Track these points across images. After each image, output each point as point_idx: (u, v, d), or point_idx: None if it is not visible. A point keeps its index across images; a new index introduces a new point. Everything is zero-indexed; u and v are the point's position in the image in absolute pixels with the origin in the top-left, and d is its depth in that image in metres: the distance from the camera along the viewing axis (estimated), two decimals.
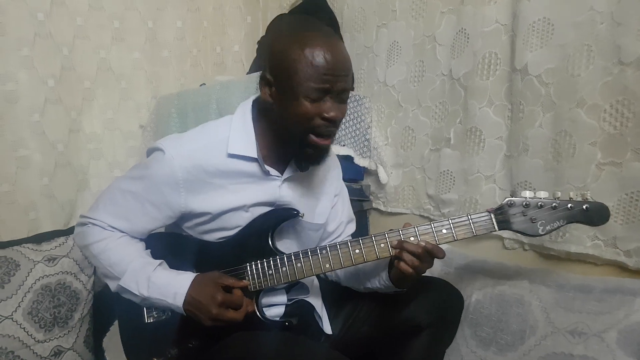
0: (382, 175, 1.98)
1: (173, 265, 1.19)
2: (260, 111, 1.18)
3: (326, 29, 1.12)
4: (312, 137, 1.10)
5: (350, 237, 1.41)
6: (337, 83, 1.07)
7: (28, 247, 1.67)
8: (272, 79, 1.10)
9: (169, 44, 2.19)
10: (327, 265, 1.15)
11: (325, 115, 1.07)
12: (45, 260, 1.66)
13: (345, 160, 1.91)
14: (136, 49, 2.09)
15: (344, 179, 1.45)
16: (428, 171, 1.85)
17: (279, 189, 1.20)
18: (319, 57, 1.04)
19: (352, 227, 1.43)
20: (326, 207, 1.33)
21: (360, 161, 1.97)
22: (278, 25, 1.15)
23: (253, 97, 1.22)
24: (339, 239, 1.39)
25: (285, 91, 1.08)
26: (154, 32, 2.13)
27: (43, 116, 1.81)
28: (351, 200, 1.46)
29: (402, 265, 1.09)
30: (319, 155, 1.14)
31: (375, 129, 2.01)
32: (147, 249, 1.23)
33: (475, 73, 1.60)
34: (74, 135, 1.93)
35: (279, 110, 1.11)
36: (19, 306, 1.57)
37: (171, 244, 1.24)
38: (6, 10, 1.69)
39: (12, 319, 1.55)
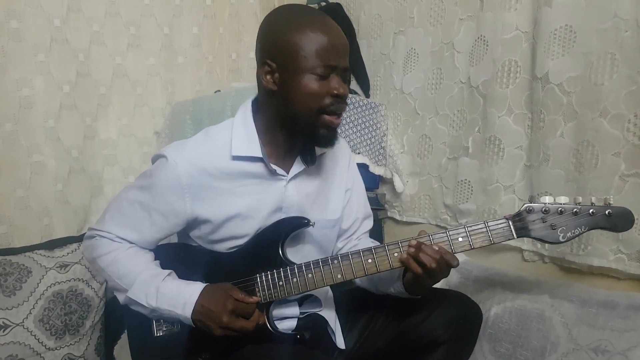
0: (398, 184, 1.95)
1: (182, 277, 1.17)
2: (262, 107, 1.17)
3: (319, 11, 1.14)
4: (325, 117, 1.09)
5: (367, 235, 1.38)
6: (341, 60, 1.08)
7: (40, 254, 1.66)
8: (275, 64, 1.09)
9: (185, 51, 2.19)
10: (339, 276, 1.12)
11: (335, 92, 1.07)
12: (57, 267, 1.65)
13: (360, 168, 1.86)
14: (152, 55, 2.09)
15: None
16: (445, 180, 1.82)
17: (284, 188, 1.18)
18: (322, 35, 1.05)
19: (368, 224, 1.39)
20: (338, 201, 1.29)
21: (375, 169, 1.95)
22: (271, 16, 1.13)
23: (252, 98, 1.21)
24: (355, 236, 1.36)
25: (291, 73, 1.07)
26: (170, 39, 2.13)
27: (58, 122, 1.81)
28: None
29: (412, 262, 1.06)
30: (332, 135, 1.13)
31: (391, 136, 1.98)
32: (156, 260, 1.21)
33: (494, 81, 1.57)
34: (88, 141, 1.93)
35: (285, 95, 1.09)
36: (30, 313, 1.56)
37: (180, 254, 1.22)
38: (23, 17, 1.70)
39: (23, 326, 1.54)
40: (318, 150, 1.22)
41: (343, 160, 1.33)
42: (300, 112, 1.09)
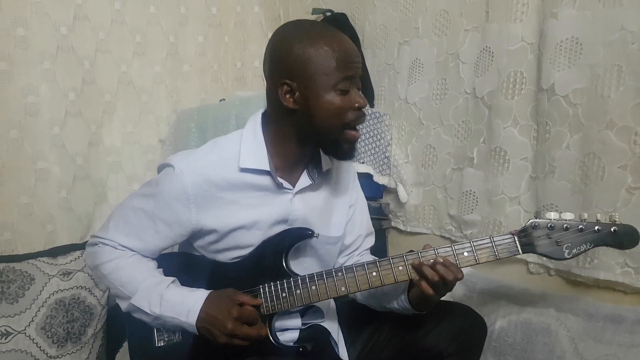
0: (402, 194, 1.94)
1: (185, 286, 1.16)
2: (273, 122, 1.16)
3: (325, 23, 1.14)
4: (348, 132, 1.10)
5: (368, 251, 1.38)
6: (358, 69, 1.10)
7: (43, 261, 1.66)
8: (295, 84, 1.07)
9: (190, 59, 2.19)
10: (343, 289, 1.11)
11: (357, 105, 1.09)
12: (60, 275, 1.65)
13: (364, 178, 1.88)
14: (157, 63, 2.09)
15: None
16: (450, 191, 1.81)
17: (290, 202, 1.17)
18: (337, 47, 1.06)
19: (370, 241, 1.39)
20: (342, 218, 1.29)
21: (379, 179, 1.94)
22: (281, 34, 1.13)
23: (262, 110, 1.20)
24: (356, 252, 1.35)
25: (313, 92, 1.07)
26: (176, 47, 2.14)
27: (63, 129, 1.81)
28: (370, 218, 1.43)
29: (424, 284, 1.06)
30: (353, 148, 1.15)
31: (396, 146, 1.97)
32: (158, 269, 1.20)
33: (499, 92, 1.56)
34: (93, 149, 1.93)
35: (308, 113, 1.08)
36: (33, 321, 1.56)
37: (183, 264, 1.22)
38: (30, 24, 1.71)
39: (25, 333, 1.54)
40: (324, 166, 1.22)
41: (347, 176, 1.32)
42: (325, 129, 1.09)
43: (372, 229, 1.40)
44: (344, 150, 1.13)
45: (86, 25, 1.87)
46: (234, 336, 1.06)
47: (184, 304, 1.09)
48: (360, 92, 1.11)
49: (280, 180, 1.15)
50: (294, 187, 1.18)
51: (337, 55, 1.05)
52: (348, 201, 1.31)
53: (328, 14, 2.14)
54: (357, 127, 1.12)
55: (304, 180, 1.19)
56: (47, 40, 1.76)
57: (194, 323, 1.08)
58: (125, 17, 1.98)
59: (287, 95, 1.09)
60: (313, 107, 1.08)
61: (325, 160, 1.22)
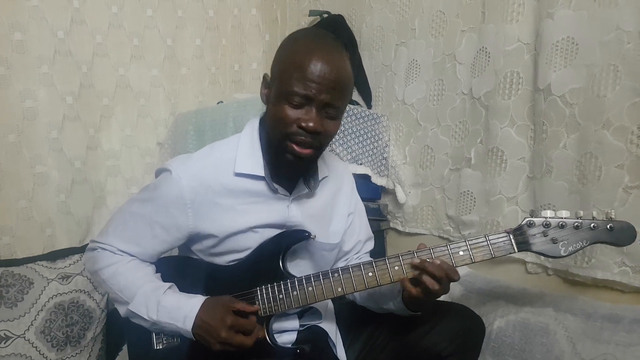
0: (400, 195, 1.94)
1: (183, 290, 1.17)
2: (264, 124, 1.17)
3: (332, 42, 1.10)
4: (289, 143, 1.07)
5: (368, 255, 1.38)
6: (321, 94, 1.03)
7: (42, 265, 1.66)
8: (270, 80, 1.12)
9: (188, 62, 2.20)
10: (340, 289, 1.11)
11: (303, 124, 1.05)
12: (59, 278, 1.65)
13: (362, 179, 1.88)
14: (155, 66, 2.10)
15: (361, 198, 1.41)
16: (448, 191, 1.81)
17: (287, 208, 1.18)
18: (308, 62, 1.03)
19: (370, 245, 1.39)
20: (340, 226, 1.30)
21: (377, 180, 1.94)
22: (287, 36, 1.14)
23: (260, 115, 1.21)
24: (356, 257, 1.36)
25: (274, 94, 1.09)
26: (173, 50, 2.15)
27: (61, 133, 1.82)
28: (368, 219, 1.42)
29: (414, 290, 1.05)
30: (298, 164, 1.11)
31: (394, 147, 1.98)
32: (157, 273, 1.20)
33: (496, 92, 1.57)
34: (91, 152, 1.93)
35: (268, 113, 1.12)
36: (32, 325, 1.56)
37: (181, 268, 1.22)
38: (27, 29, 1.72)
39: (24, 337, 1.54)
40: (321, 174, 1.22)
41: (346, 184, 1.33)
42: (271, 132, 1.11)
43: (372, 234, 1.40)
44: (287, 160, 1.09)
45: (83, 29, 1.88)
46: (228, 344, 1.06)
47: (181, 310, 1.09)
48: (326, 119, 1.07)
49: (276, 186, 1.15)
50: (290, 194, 1.18)
51: (303, 70, 1.03)
52: (347, 209, 1.32)
53: (325, 15, 2.15)
54: (301, 143, 1.06)
55: (301, 187, 1.19)
56: (45, 45, 1.77)
57: (190, 329, 1.08)
58: (123, 21, 1.99)
59: (265, 90, 1.13)
60: (270, 108, 1.10)
61: (322, 168, 1.23)
